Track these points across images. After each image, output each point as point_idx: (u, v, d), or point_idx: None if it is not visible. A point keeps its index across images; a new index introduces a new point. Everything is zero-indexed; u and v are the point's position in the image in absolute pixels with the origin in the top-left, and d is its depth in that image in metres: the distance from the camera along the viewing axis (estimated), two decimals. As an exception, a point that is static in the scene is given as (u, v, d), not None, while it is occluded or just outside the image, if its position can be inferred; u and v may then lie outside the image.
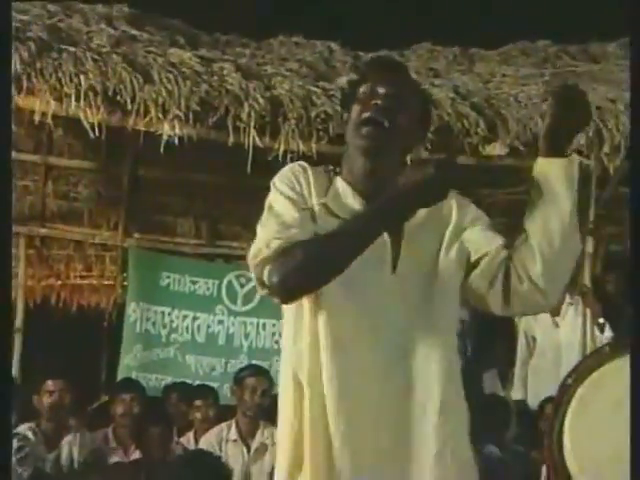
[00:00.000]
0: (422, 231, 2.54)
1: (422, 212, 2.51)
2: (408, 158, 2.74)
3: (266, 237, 2.44)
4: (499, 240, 2.57)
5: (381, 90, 2.58)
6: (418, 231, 2.54)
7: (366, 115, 2.55)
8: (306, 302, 2.50)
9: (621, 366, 2.43)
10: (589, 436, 2.35)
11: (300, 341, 2.54)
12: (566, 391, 2.44)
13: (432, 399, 2.50)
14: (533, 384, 7.80)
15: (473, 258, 2.57)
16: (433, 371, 2.51)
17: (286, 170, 2.62)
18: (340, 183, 2.59)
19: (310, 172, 2.60)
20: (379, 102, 2.55)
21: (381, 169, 2.58)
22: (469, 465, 2.58)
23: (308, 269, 2.39)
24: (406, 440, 2.49)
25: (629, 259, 2.53)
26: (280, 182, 2.57)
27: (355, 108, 2.60)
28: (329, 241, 2.41)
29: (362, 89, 2.61)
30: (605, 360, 2.49)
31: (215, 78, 6.25)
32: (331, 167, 2.66)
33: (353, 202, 2.55)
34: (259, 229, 2.50)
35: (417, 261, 2.54)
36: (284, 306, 2.60)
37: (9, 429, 2.51)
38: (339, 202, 2.56)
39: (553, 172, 2.48)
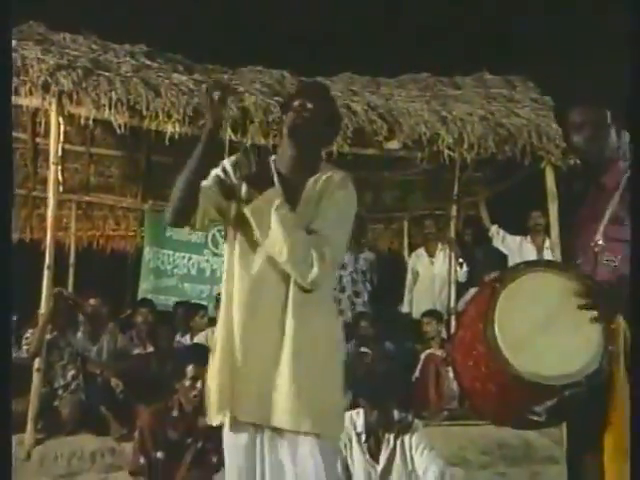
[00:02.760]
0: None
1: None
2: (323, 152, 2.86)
3: None
4: None
5: (309, 104, 2.63)
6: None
7: (298, 120, 2.61)
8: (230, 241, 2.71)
9: (529, 277, 2.55)
10: (509, 321, 2.46)
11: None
12: (496, 291, 2.52)
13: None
14: (416, 302, 7.92)
15: None
16: None
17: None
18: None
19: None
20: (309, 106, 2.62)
21: (302, 156, 2.65)
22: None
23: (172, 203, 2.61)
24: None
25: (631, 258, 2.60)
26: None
27: (290, 114, 2.65)
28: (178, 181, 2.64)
29: (295, 102, 2.65)
30: (519, 274, 2.57)
31: (204, 94, 6.20)
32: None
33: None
34: None
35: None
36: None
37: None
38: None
39: None
